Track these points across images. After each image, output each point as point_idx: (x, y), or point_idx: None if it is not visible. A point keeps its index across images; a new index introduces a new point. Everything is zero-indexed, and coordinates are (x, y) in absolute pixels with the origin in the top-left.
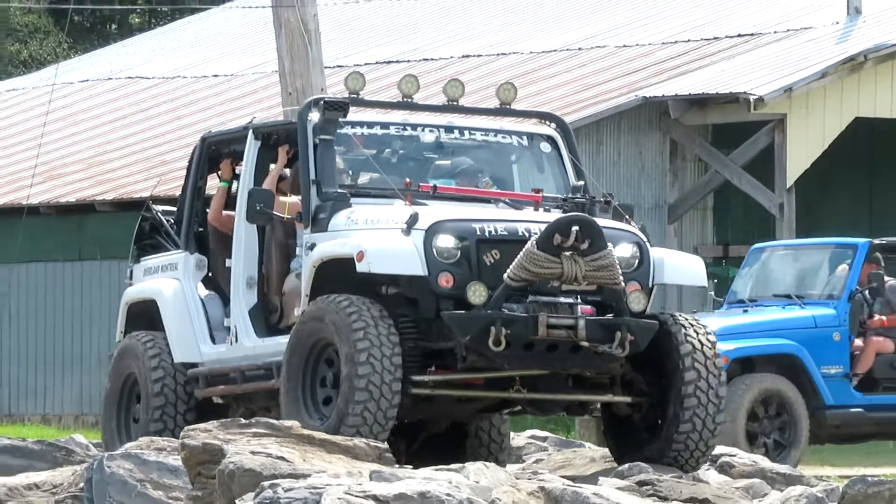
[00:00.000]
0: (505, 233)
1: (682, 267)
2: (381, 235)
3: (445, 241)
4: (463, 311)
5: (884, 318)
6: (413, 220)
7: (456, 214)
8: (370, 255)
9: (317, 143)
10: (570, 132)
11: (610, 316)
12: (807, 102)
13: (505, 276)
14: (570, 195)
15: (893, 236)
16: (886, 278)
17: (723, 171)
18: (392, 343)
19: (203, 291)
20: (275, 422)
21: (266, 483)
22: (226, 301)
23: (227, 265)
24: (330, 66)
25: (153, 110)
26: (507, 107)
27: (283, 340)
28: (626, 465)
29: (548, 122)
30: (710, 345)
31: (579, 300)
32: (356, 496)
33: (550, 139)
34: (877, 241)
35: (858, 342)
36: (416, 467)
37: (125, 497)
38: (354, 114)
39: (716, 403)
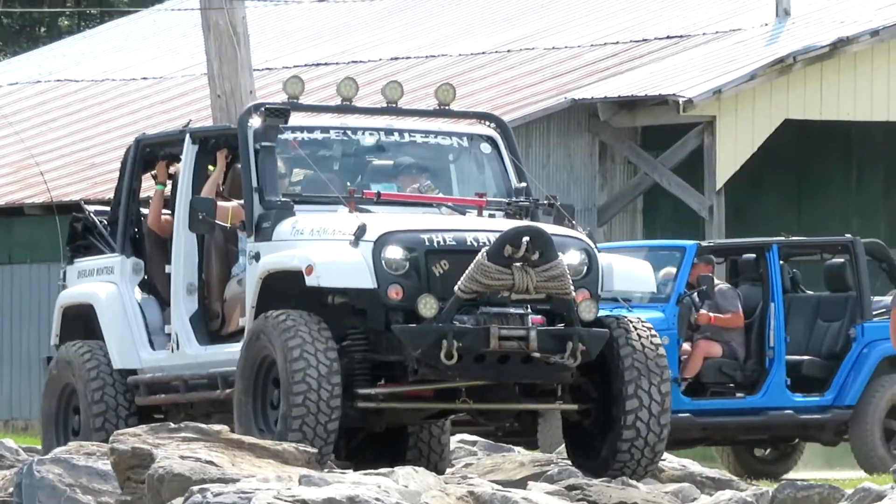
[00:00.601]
0: (454, 242)
1: (630, 273)
2: (328, 248)
3: (394, 253)
4: (414, 325)
5: (710, 314)
6: (361, 231)
7: (403, 224)
8: (319, 269)
9: (258, 150)
10: (510, 132)
11: (561, 326)
12: (736, 104)
13: (456, 288)
14: (513, 198)
15: (816, 237)
16: (716, 281)
17: (652, 174)
18: (329, 359)
19: (140, 296)
20: (204, 426)
21: (195, 488)
22: (163, 305)
23: (166, 271)
24: (259, 69)
25: (82, 113)
26: (447, 107)
27: (227, 349)
28: (556, 470)
29: (487, 123)
30: (652, 346)
31: (529, 310)
32: (285, 500)
33: (490, 140)
34: (705, 244)
35: (686, 346)
36: (355, 466)
37: (54, 501)
38: (293, 118)
39: (659, 405)
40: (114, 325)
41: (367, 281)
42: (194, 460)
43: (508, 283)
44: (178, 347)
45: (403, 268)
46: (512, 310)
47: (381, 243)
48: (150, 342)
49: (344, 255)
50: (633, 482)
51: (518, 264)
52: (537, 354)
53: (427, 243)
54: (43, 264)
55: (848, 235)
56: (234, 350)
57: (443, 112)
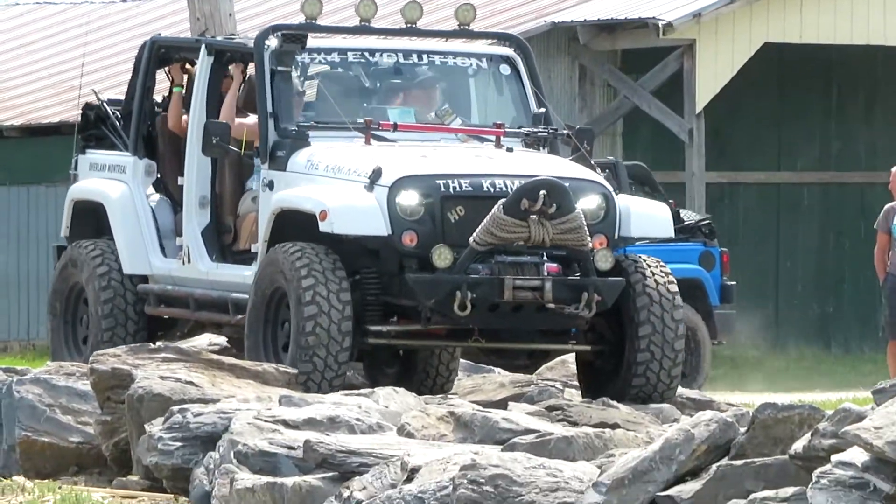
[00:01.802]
0: (470, 188)
1: (648, 217)
2: (343, 191)
3: (409, 199)
4: (427, 275)
5: None
6: (376, 175)
7: (419, 167)
8: (333, 215)
9: (273, 73)
10: (531, 55)
11: (577, 276)
12: (716, 28)
13: (471, 240)
14: (531, 129)
15: (800, 161)
16: None
17: (632, 97)
18: (342, 301)
19: (153, 198)
20: (184, 346)
21: (175, 408)
22: (176, 209)
23: (179, 182)
24: None
25: (61, 35)
26: (467, 28)
27: (238, 271)
28: (536, 391)
29: (508, 44)
30: (663, 275)
31: (545, 258)
32: (265, 421)
33: (510, 61)
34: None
35: None
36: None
37: (34, 422)
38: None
39: (673, 331)
40: (125, 230)
41: (382, 228)
42: (174, 381)
43: (524, 235)
44: (189, 261)
45: (418, 214)
46: (527, 258)
47: (396, 188)
48: (162, 247)
49: (358, 200)
50: (614, 403)
51: (534, 217)
52: (552, 305)
53: (443, 189)
54: (22, 187)
55: (610, 157)
56: (246, 273)
57: (463, 32)
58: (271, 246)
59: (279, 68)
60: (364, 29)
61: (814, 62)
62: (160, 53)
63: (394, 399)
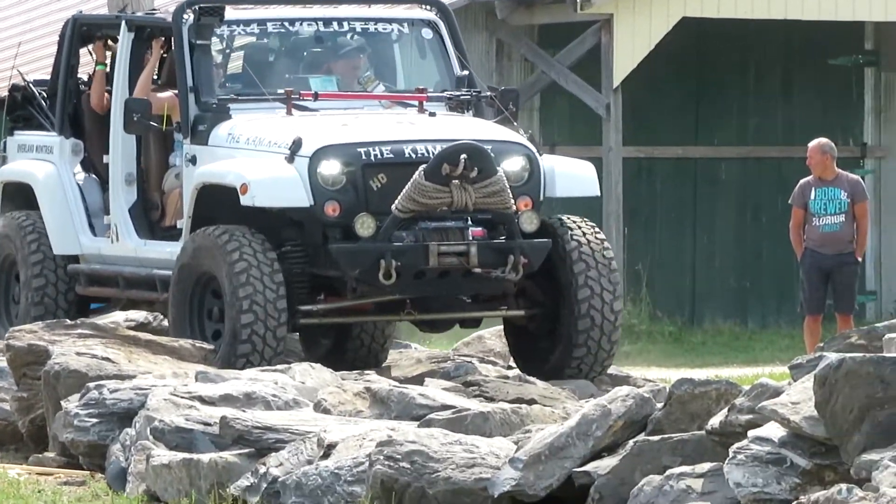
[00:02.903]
0: (391, 155)
1: (573, 177)
2: (263, 163)
3: (331, 168)
4: (351, 244)
5: None
6: (296, 146)
7: (339, 136)
8: (254, 188)
9: (192, 47)
10: (452, 18)
11: (502, 239)
12: (633, 3)
13: (393, 207)
14: (454, 92)
15: (717, 136)
16: None
17: (549, 72)
18: (276, 283)
19: (80, 176)
20: (100, 322)
21: (91, 384)
22: (104, 187)
23: (105, 161)
24: None
25: None
26: None
27: (166, 248)
28: (453, 366)
29: (429, 8)
30: (598, 241)
31: (469, 223)
32: (182, 397)
33: (432, 24)
34: None
35: None
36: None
37: None
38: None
39: (611, 293)
40: (53, 210)
41: (303, 199)
42: (90, 357)
43: (447, 200)
44: (117, 239)
45: (340, 183)
46: (451, 223)
47: (316, 158)
48: (91, 226)
49: (279, 172)
50: (531, 378)
51: (456, 182)
52: (478, 269)
53: (364, 157)
54: None
55: None
56: (173, 250)
57: None
58: (195, 221)
59: (198, 42)
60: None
61: (732, 37)
62: (83, 31)
63: (310, 375)
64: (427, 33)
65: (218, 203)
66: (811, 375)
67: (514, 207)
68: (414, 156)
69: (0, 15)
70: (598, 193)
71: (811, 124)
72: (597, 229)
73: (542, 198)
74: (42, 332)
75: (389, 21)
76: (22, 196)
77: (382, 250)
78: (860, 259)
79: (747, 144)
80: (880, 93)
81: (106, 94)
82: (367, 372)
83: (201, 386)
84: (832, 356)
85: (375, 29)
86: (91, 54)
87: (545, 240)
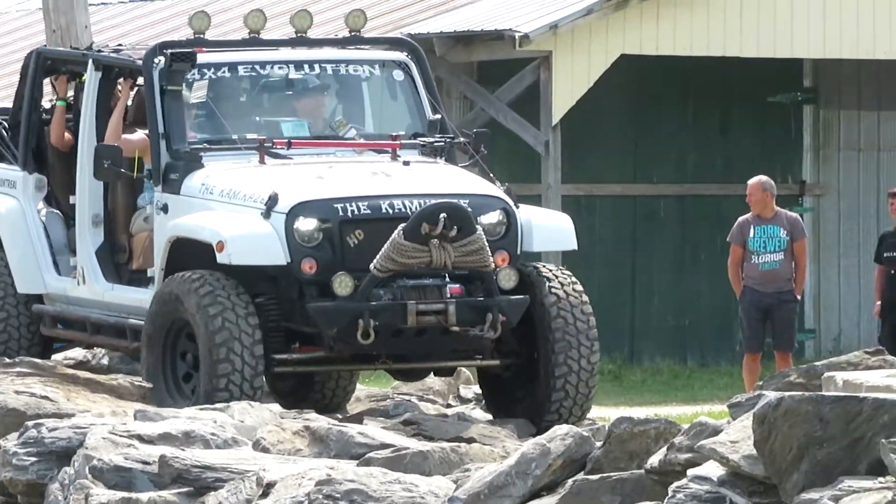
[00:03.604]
0: (368, 211)
1: (550, 230)
2: (239, 220)
3: (307, 225)
4: (329, 303)
5: None
6: (272, 201)
7: (316, 192)
8: (230, 245)
9: (164, 91)
10: (423, 59)
11: (480, 297)
12: (572, 39)
13: (372, 266)
14: (426, 139)
15: (656, 174)
16: None
17: (488, 109)
18: (251, 325)
19: (44, 212)
20: (39, 361)
21: (30, 423)
22: (68, 222)
23: (71, 201)
24: (94, 3)
25: None
26: (359, 34)
27: (136, 295)
28: (392, 404)
29: (400, 49)
30: (575, 293)
31: (447, 280)
32: (120, 435)
33: (403, 66)
34: None
35: None
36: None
37: None
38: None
39: (588, 346)
40: (15, 247)
41: (280, 257)
42: (29, 395)
43: (426, 260)
44: (84, 282)
45: (317, 239)
46: (429, 281)
47: (293, 214)
48: (56, 265)
49: (255, 228)
50: (470, 416)
51: (435, 241)
52: (456, 328)
53: (341, 213)
54: None
55: None
56: (142, 297)
57: (354, 39)
58: (167, 270)
59: (169, 87)
60: (254, 41)
61: (670, 74)
62: (46, 65)
63: (249, 413)
64: (398, 75)
65: (190, 256)
66: (750, 414)
67: (493, 265)
68: (391, 211)
69: None
70: (576, 247)
71: (750, 162)
72: (573, 279)
73: (519, 252)
74: None
75: (360, 62)
76: None
77: (360, 310)
78: (799, 297)
79: (686, 182)
80: (819, 130)
81: (67, 132)
82: (306, 410)
83: (140, 424)
84: (771, 395)
85: (346, 70)
86: (53, 87)
87: (523, 296)
